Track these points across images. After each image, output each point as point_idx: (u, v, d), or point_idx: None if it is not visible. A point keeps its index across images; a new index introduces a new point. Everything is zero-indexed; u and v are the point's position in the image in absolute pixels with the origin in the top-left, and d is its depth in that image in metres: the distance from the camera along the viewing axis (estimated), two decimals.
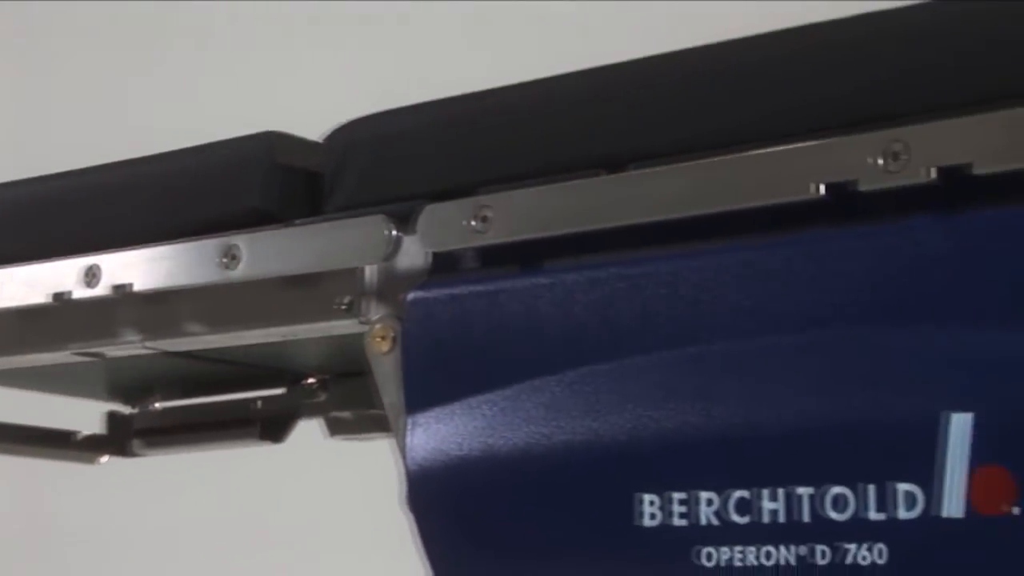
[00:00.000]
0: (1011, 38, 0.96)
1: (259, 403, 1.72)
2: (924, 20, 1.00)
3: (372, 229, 1.14)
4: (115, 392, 1.76)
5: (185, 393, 1.77)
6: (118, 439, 1.77)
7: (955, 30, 0.98)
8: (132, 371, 1.64)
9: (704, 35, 1.08)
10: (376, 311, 1.17)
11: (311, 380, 1.70)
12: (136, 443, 1.78)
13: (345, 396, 1.67)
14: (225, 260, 1.20)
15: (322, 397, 1.70)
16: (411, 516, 1.12)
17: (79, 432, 1.79)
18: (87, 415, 1.78)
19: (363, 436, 1.70)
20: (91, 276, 1.26)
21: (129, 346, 1.30)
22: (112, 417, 1.77)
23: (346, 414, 1.69)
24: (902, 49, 1.00)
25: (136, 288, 1.24)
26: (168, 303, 1.26)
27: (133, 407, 1.78)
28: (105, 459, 1.80)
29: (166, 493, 2.75)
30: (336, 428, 1.71)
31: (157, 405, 1.78)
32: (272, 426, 1.73)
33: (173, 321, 1.26)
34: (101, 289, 1.26)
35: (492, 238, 1.09)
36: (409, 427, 1.12)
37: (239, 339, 1.26)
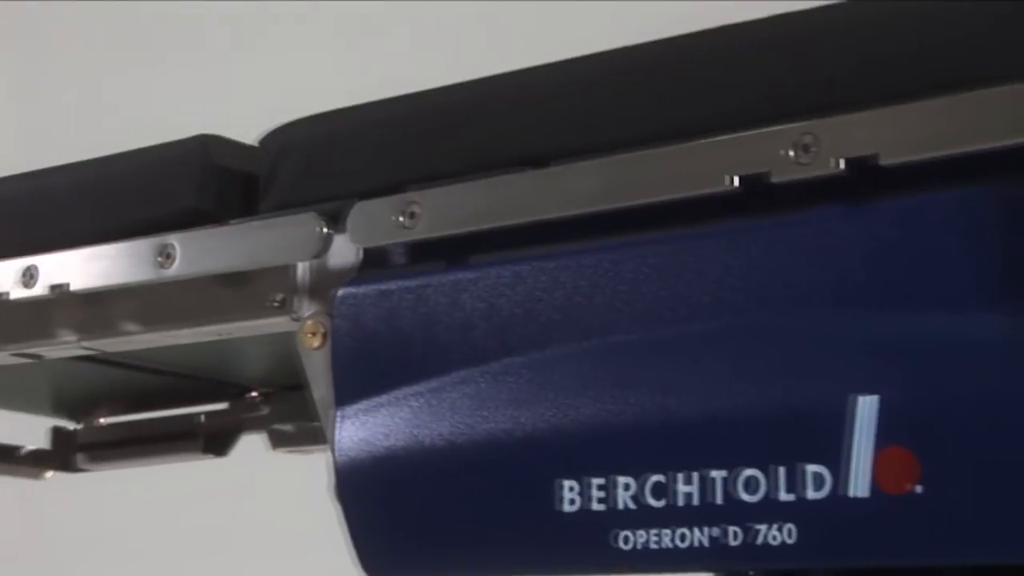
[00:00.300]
0: (912, 37, 0.99)
1: (202, 418, 1.74)
2: (832, 21, 1.03)
3: (303, 227, 1.17)
4: (60, 407, 1.78)
5: (130, 408, 1.78)
6: (62, 454, 1.79)
7: (861, 30, 1.01)
8: (77, 385, 1.66)
9: (622, 37, 1.11)
10: (308, 308, 1.19)
11: (254, 394, 1.72)
12: (80, 458, 1.79)
13: (287, 409, 1.69)
14: (160, 259, 1.22)
15: (264, 411, 1.72)
16: (339, 507, 1.14)
17: (23, 447, 1.80)
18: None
19: (305, 448, 1.72)
20: (28, 276, 1.27)
21: (67, 346, 1.32)
22: (57, 432, 1.78)
23: (288, 427, 1.71)
24: (814, 47, 1.03)
25: (73, 288, 1.26)
26: (105, 302, 1.28)
27: (78, 422, 1.80)
28: (50, 475, 1.82)
29: (119, 497, 2.75)
30: (278, 441, 1.73)
31: (102, 420, 1.80)
32: (215, 440, 1.75)
33: (110, 320, 1.28)
34: (39, 289, 1.27)
35: (420, 233, 1.12)
36: (338, 420, 1.14)
37: (175, 338, 1.28)
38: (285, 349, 1.24)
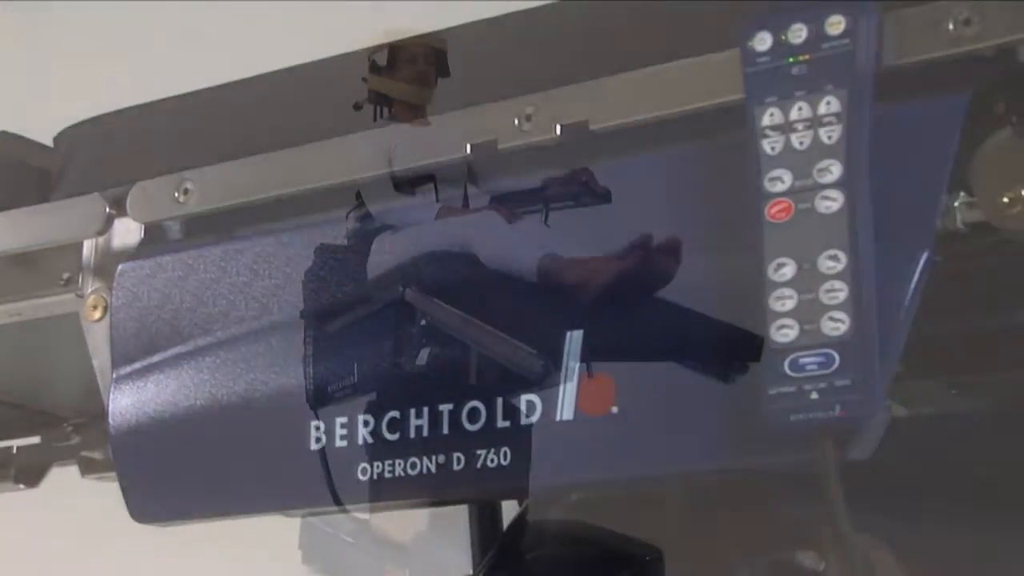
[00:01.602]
0: (613, 24, 1.12)
1: (14, 449, 1.80)
2: (550, 17, 1.16)
3: (87, 207, 1.27)
4: None
5: None
6: None
7: (577, 22, 1.14)
8: None
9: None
10: (93, 285, 1.28)
11: (66, 425, 1.79)
12: None
13: (96, 437, 1.75)
14: None
15: (74, 440, 1.78)
16: (114, 461, 1.23)
17: None
18: None
19: (113, 475, 1.79)
20: None
21: None
22: None
23: (96, 454, 1.78)
24: (543, 35, 1.16)
25: None
26: None
27: None
28: None
29: None
30: (87, 468, 1.79)
31: None
32: (27, 471, 1.81)
33: None
34: None
35: (192, 208, 1.22)
36: (113, 382, 1.23)
37: None
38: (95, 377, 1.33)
